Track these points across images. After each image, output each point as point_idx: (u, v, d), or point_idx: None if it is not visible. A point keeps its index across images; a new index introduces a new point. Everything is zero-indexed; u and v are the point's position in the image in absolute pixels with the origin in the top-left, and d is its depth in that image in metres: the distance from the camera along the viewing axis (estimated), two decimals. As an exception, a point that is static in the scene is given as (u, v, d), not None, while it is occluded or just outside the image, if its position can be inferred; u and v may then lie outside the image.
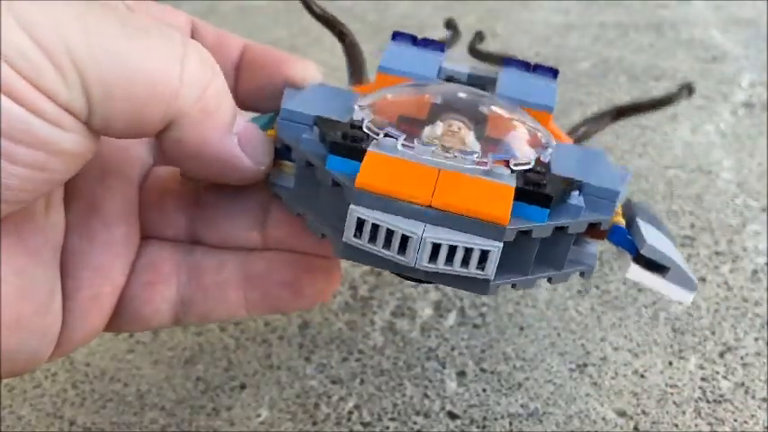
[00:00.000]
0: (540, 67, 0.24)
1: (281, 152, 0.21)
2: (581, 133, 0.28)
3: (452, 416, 0.28)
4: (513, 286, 0.20)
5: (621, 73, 0.50)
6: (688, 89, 0.28)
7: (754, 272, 0.34)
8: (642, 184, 0.39)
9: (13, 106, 0.15)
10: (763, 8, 0.57)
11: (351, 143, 0.19)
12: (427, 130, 0.20)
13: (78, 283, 0.20)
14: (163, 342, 0.31)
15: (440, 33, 0.31)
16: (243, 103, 0.23)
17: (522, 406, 0.28)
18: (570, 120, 0.45)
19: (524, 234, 0.18)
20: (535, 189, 0.18)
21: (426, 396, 0.29)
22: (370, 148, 0.18)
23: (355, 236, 0.18)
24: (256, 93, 0.23)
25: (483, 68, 0.24)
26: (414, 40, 0.25)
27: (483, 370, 0.30)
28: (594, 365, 0.30)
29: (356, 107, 0.20)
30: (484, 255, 0.17)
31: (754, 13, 0.57)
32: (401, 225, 0.17)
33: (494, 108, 0.21)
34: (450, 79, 0.24)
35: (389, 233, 0.17)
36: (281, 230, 0.22)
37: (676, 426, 0.28)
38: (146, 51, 0.16)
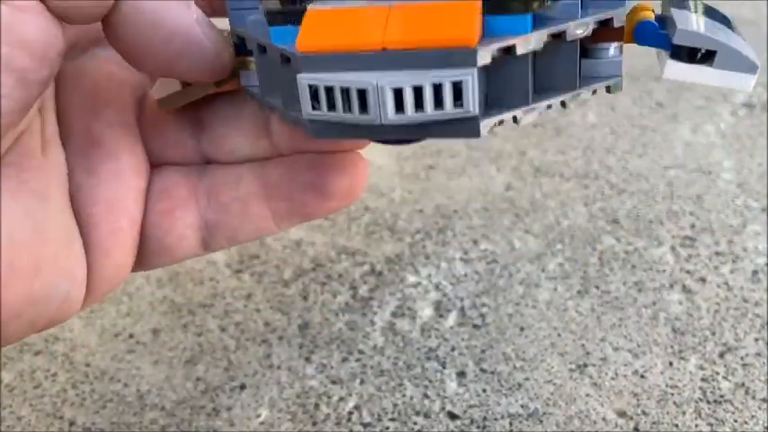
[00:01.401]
0: None
1: (242, 48, 0.19)
2: None
3: (452, 416, 0.28)
4: (515, 120, 0.16)
5: (622, 73, 0.50)
6: None
7: (755, 272, 0.34)
8: (642, 184, 0.39)
9: None
10: (763, 8, 0.57)
11: (288, 7, 0.16)
12: None
13: (93, 219, 0.19)
14: (163, 342, 0.31)
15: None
16: (217, 7, 0.21)
17: (522, 406, 0.28)
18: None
19: (509, 55, 0.15)
20: None
21: (426, 396, 0.29)
22: (309, 6, 0.16)
23: (314, 108, 0.16)
24: None
25: None
26: None
27: (483, 370, 0.30)
28: (594, 366, 0.30)
29: None
30: (457, 88, 0.15)
31: (754, 14, 0.57)
32: (353, 79, 0.15)
33: None
34: None
35: (344, 93, 0.15)
36: (285, 136, 0.21)
37: (676, 426, 0.28)
38: None
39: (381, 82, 0.15)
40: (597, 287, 0.33)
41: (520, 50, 0.15)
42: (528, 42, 0.15)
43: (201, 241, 0.21)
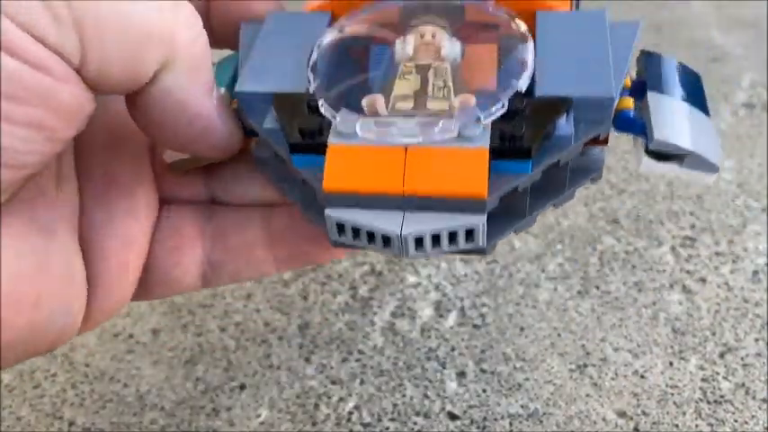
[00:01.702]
0: None
1: (253, 133, 0.20)
2: None
3: (452, 416, 0.28)
4: (515, 231, 0.19)
5: (622, 73, 0.50)
6: None
7: (755, 272, 0.34)
8: (642, 184, 0.39)
9: (6, 58, 0.14)
10: (764, 9, 0.57)
11: (310, 141, 0.17)
12: (398, 48, 0.19)
13: (103, 253, 0.20)
14: (163, 342, 0.31)
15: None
16: (216, 37, 0.22)
17: (522, 406, 0.28)
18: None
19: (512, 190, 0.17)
20: (511, 145, 0.17)
21: (426, 396, 0.29)
22: (330, 140, 0.17)
23: (339, 235, 0.17)
24: (232, 27, 0.22)
25: None
26: None
27: (483, 370, 0.30)
28: (595, 366, 0.30)
29: (310, 74, 0.19)
30: (470, 231, 0.17)
31: (754, 14, 0.57)
32: (379, 225, 0.17)
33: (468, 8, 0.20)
34: None
35: (370, 233, 0.17)
36: None
37: (677, 426, 0.28)
38: None
39: (404, 232, 0.16)
40: (597, 287, 0.33)
41: (521, 188, 0.17)
42: (529, 180, 0.17)
43: (203, 277, 0.22)
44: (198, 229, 0.22)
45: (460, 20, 0.19)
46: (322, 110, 0.18)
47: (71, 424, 0.28)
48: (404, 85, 0.18)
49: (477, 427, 0.28)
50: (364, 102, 0.18)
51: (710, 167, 0.19)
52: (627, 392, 0.29)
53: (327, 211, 0.17)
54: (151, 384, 0.29)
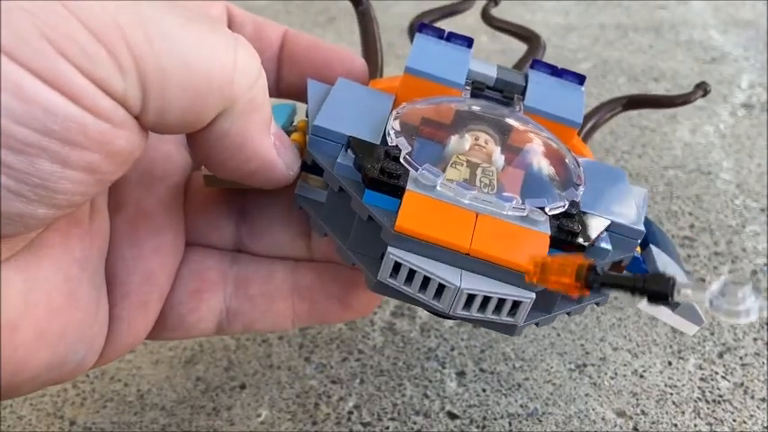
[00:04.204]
0: (567, 72, 0.24)
1: (309, 166, 0.20)
2: (592, 124, 0.27)
3: (452, 416, 0.28)
4: (537, 324, 0.20)
5: (621, 74, 0.50)
6: (704, 89, 0.28)
7: (754, 272, 0.34)
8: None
9: (69, 105, 0.14)
10: (762, 9, 0.57)
11: (389, 180, 0.18)
12: (453, 142, 0.20)
13: (127, 289, 0.20)
14: (163, 342, 0.31)
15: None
16: (286, 93, 0.23)
17: (521, 406, 0.28)
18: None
19: None
20: (569, 239, 0.18)
21: (426, 396, 0.29)
22: (408, 187, 0.18)
23: (391, 276, 0.18)
24: (301, 84, 0.22)
25: (510, 72, 0.24)
26: (440, 35, 0.24)
27: (482, 370, 0.30)
28: (594, 366, 0.30)
29: (391, 131, 0.20)
30: (516, 304, 0.18)
31: (753, 15, 0.57)
32: (439, 273, 0.17)
33: (519, 125, 0.21)
34: (477, 84, 0.23)
35: (426, 279, 0.17)
36: (323, 244, 0.22)
37: (675, 426, 0.28)
38: (200, 38, 0.15)
39: (463, 286, 0.17)
40: (596, 287, 0.33)
41: None
42: None
43: (218, 325, 0.22)
44: (220, 275, 0.22)
45: (506, 137, 0.21)
46: (403, 161, 0.19)
47: (72, 423, 0.28)
48: (454, 173, 0.20)
49: (477, 427, 0.28)
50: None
51: (698, 319, 0.21)
52: (626, 392, 0.29)
53: (390, 249, 0.17)
54: (152, 384, 0.29)
